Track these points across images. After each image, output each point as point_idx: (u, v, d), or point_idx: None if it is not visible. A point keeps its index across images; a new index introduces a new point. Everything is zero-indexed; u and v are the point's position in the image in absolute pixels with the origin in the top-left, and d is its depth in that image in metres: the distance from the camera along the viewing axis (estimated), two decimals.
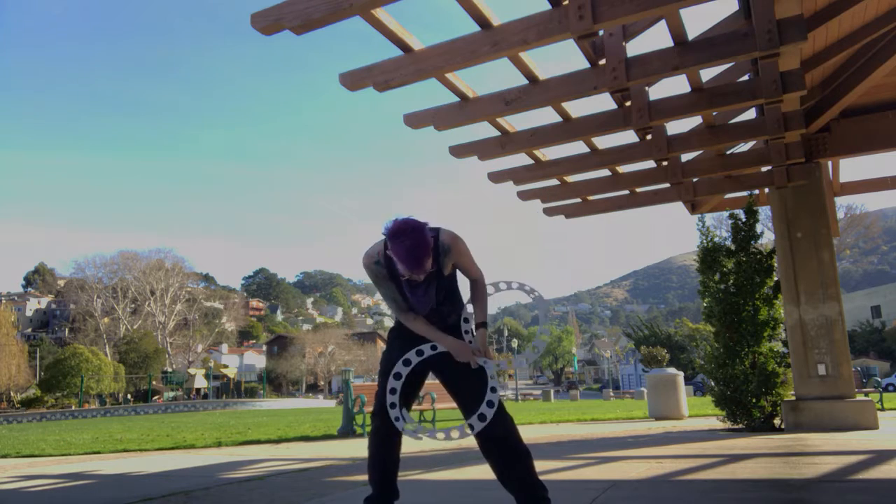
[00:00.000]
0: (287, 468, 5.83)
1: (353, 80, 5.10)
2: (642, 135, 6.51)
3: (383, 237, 2.43)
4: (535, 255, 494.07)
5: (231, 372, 63.70)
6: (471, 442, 2.58)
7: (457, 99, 5.81)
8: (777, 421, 7.60)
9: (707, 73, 5.97)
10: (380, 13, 4.35)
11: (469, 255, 2.59)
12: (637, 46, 5.29)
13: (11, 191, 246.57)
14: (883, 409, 11.32)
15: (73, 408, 36.89)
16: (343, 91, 5.22)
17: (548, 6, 4.38)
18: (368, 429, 10.04)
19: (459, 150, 6.87)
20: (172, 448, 8.75)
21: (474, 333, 2.57)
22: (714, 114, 6.54)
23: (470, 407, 2.51)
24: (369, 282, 2.82)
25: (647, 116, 5.84)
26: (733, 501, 3.37)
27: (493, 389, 2.42)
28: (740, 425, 7.76)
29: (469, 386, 2.54)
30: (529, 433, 9.27)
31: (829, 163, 9.06)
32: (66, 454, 8.50)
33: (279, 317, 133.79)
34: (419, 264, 2.35)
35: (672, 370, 12.76)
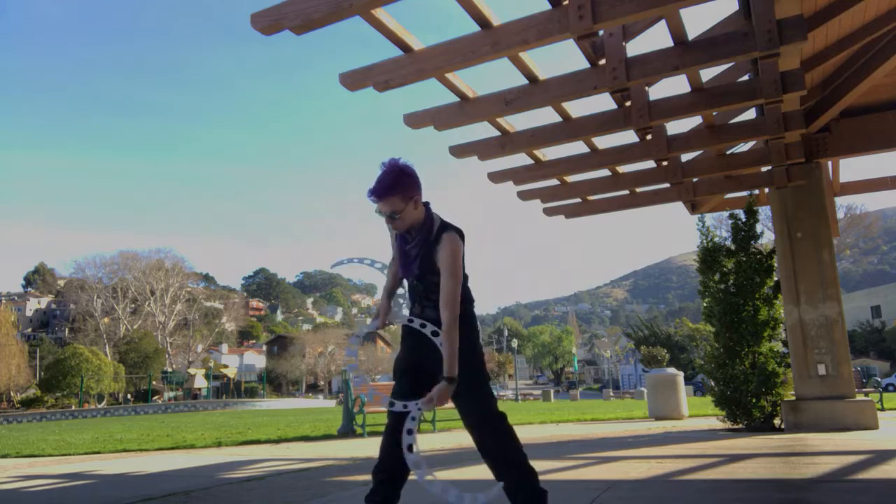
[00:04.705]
0: (287, 468, 5.83)
1: (354, 80, 5.10)
2: (642, 135, 6.51)
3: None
4: (535, 255, 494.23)
5: (231, 372, 63.65)
6: (471, 442, 2.58)
7: (457, 99, 5.81)
8: (777, 421, 7.60)
9: (707, 73, 5.97)
10: (380, 13, 4.35)
11: (451, 257, 2.44)
12: (637, 46, 5.29)
13: (12, 191, 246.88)
14: (883, 409, 11.31)
15: (73, 408, 36.89)
16: (343, 91, 5.22)
17: (548, 6, 4.38)
18: (369, 429, 10.11)
19: (459, 151, 6.87)
20: (172, 448, 8.75)
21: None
22: (714, 114, 6.54)
23: (464, 420, 2.58)
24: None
25: (647, 116, 5.83)
26: (733, 501, 3.37)
27: (409, 432, 2.43)
28: (740, 425, 7.76)
29: (460, 404, 2.58)
30: (529, 433, 9.27)
31: (829, 163, 9.06)
32: (66, 454, 8.51)
33: (279, 317, 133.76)
34: (380, 190, 2.44)
35: (672, 370, 12.76)
